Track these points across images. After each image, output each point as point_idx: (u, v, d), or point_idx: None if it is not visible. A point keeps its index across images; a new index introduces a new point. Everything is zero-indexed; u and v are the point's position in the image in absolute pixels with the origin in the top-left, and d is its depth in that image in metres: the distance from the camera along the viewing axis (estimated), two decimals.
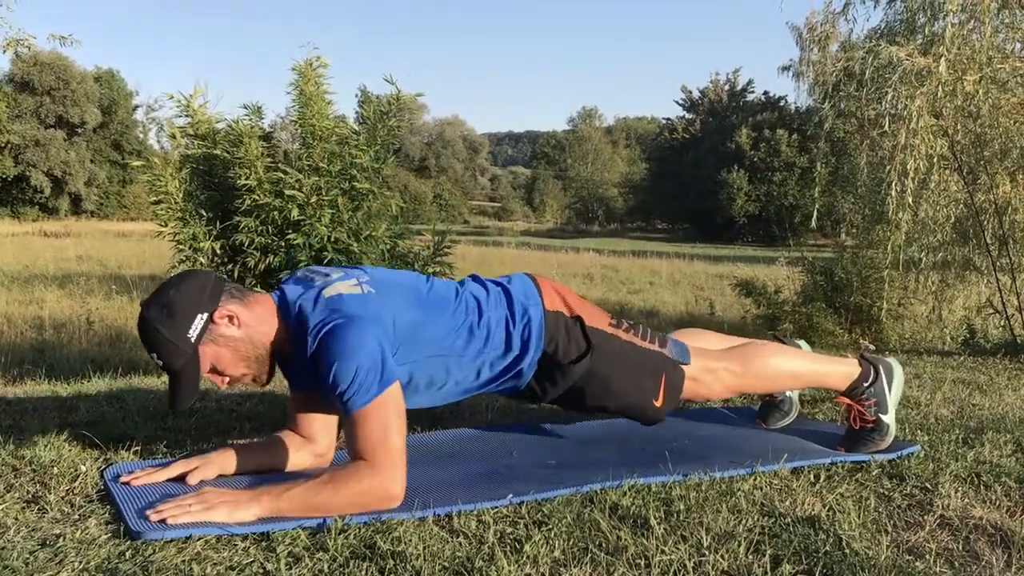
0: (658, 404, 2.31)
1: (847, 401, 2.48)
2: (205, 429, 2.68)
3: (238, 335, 2.01)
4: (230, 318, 2.00)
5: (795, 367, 2.47)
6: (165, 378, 4.01)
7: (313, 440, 2.22)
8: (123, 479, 2.02)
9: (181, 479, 2.03)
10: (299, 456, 2.19)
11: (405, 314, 2.06)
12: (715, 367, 2.39)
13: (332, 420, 2.23)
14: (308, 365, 1.96)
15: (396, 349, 2.01)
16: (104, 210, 46.20)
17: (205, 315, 1.97)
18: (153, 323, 1.94)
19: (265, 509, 1.80)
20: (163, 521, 1.74)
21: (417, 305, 2.11)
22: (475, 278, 2.32)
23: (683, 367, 2.34)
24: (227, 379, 2.06)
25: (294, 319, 2.02)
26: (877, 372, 2.49)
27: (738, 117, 48.10)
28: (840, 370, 2.49)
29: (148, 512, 1.77)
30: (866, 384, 2.47)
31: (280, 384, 3.61)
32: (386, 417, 1.89)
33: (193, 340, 1.95)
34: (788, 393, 2.75)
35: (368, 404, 1.88)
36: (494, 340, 2.18)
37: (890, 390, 2.48)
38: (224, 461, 2.11)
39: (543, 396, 2.31)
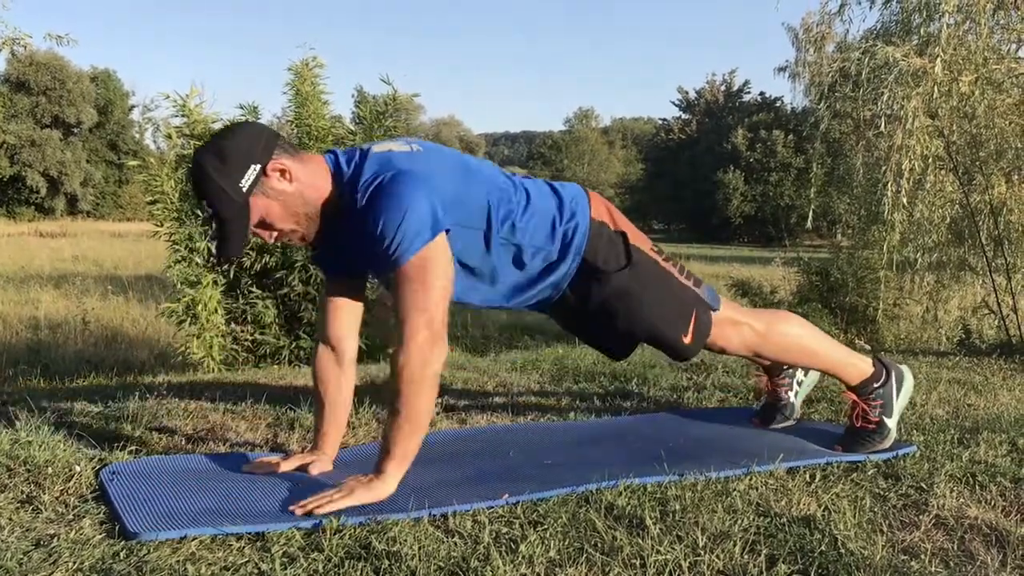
0: (687, 341, 2.30)
1: (854, 397, 2.48)
2: (200, 429, 2.67)
3: (290, 189, 2.00)
4: (282, 172, 1.99)
5: (814, 345, 2.46)
6: (161, 378, 4.01)
7: (340, 345, 2.25)
8: (245, 468, 2.17)
9: (184, 475, 2.05)
10: (344, 379, 2.27)
11: (453, 177, 2.06)
12: (740, 320, 2.39)
13: (357, 319, 2.27)
14: (354, 231, 1.98)
15: (445, 208, 2.00)
16: (100, 210, 46.16)
17: (258, 167, 1.95)
18: (206, 168, 1.93)
19: (391, 469, 1.94)
20: (310, 513, 1.81)
21: (465, 173, 2.10)
22: (525, 176, 2.32)
23: (712, 312, 2.34)
24: (275, 234, 2.05)
25: (345, 179, 2.03)
26: (889, 375, 2.49)
27: (734, 118, 48.08)
28: (855, 363, 2.48)
29: (291, 507, 1.84)
30: (876, 385, 2.47)
31: (276, 382, 3.60)
32: (429, 271, 1.92)
33: (245, 190, 1.94)
34: (791, 398, 2.75)
35: (413, 256, 1.90)
36: (539, 229, 2.18)
37: (898, 396, 2.48)
38: (325, 445, 2.25)
39: (576, 317, 2.33)
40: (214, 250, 2.01)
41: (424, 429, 1.97)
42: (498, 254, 2.16)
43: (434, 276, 1.92)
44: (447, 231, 2.00)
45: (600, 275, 2.22)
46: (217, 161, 1.93)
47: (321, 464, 2.18)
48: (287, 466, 2.17)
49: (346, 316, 2.25)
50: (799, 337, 2.45)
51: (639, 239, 2.32)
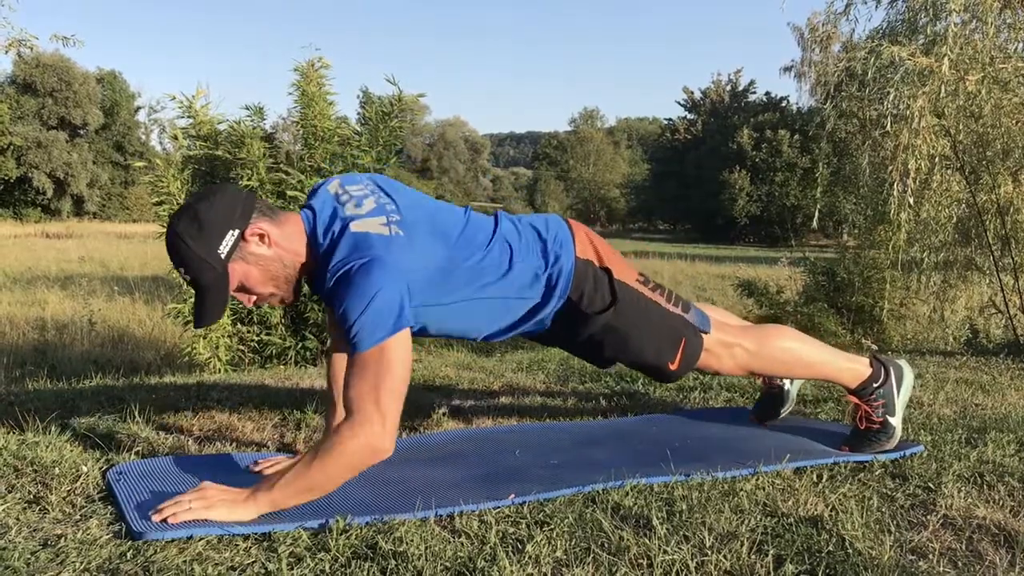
0: (673, 367, 2.30)
1: (855, 400, 2.47)
2: (206, 430, 2.67)
3: (269, 254, 1.97)
4: (261, 236, 1.95)
5: (809, 355, 2.45)
6: (168, 379, 4.01)
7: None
8: (254, 468, 2.15)
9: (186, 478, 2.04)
10: None
11: (431, 255, 2.01)
12: (732, 342, 2.37)
13: None
14: (327, 294, 1.93)
15: (419, 292, 1.97)
16: (106, 212, 46.28)
17: (236, 232, 1.92)
18: (183, 237, 1.89)
19: (262, 504, 1.80)
20: (165, 520, 1.74)
21: (446, 247, 2.06)
22: (508, 217, 2.27)
23: (702, 335, 2.33)
24: (254, 298, 2.03)
25: (320, 247, 1.99)
26: (888, 374, 2.48)
27: (740, 118, 48.03)
28: (852, 367, 2.48)
29: (150, 512, 1.77)
30: (875, 385, 2.46)
31: (282, 382, 3.61)
32: (386, 365, 1.83)
33: (223, 257, 1.91)
34: (787, 385, 2.74)
35: (371, 348, 1.83)
36: (521, 287, 2.15)
37: (899, 393, 2.47)
38: None
39: (562, 343, 2.32)
40: (193, 317, 2.00)
41: (316, 495, 1.85)
42: (478, 310, 2.14)
43: (390, 371, 1.83)
44: (422, 311, 2.00)
45: (585, 316, 2.22)
46: (194, 228, 1.89)
47: None
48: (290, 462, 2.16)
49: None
50: (791, 351, 2.43)
51: (624, 272, 2.29)
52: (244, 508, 1.79)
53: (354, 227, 1.96)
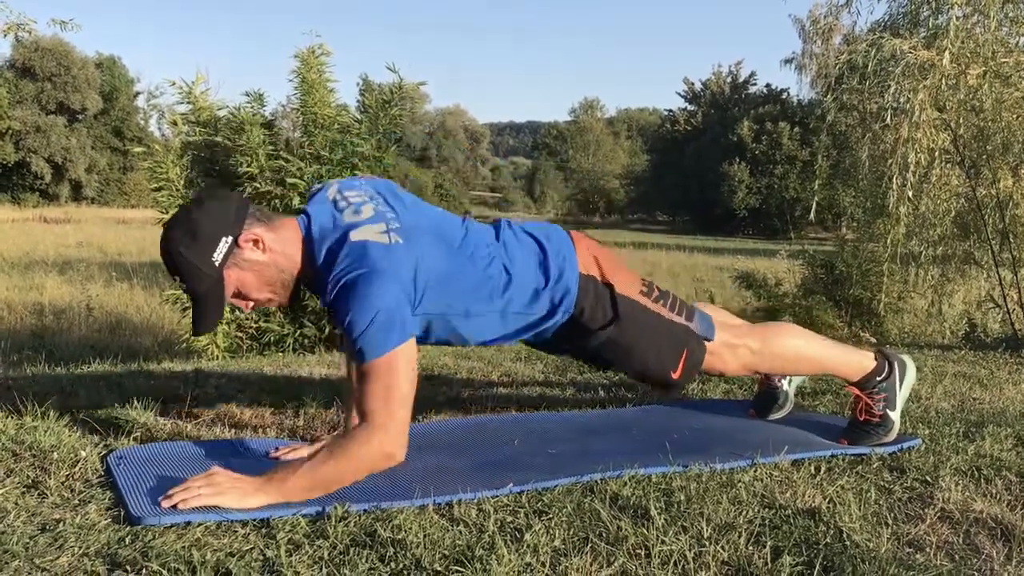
0: (675, 376, 2.29)
1: (856, 392, 2.47)
2: (205, 415, 2.67)
3: (263, 259, 1.97)
4: (255, 242, 1.95)
5: (813, 351, 2.45)
6: (166, 365, 4.01)
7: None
8: (272, 454, 2.15)
9: (189, 464, 2.04)
10: None
11: (431, 264, 2.00)
12: (736, 343, 2.36)
13: None
14: (328, 303, 1.93)
15: (419, 299, 1.98)
16: (104, 197, 46.16)
17: (230, 238, 1.92)
18: (176, 245, 1.90)
19: (272, 495, 1.80)
20: (175, 506, 1.74)
21: (446, 257, 2.05)
22: (510, 225, 2.26)
23: (706, 343, 2.32)
24: (251, 303, 2.03)
25: (318, 255, 1.97)
26: (891, 368, 2.48)
27: (740, 109, 47.92)
28: (856, 361, 2.47)
29: (159, 498, 1.77)
30: (879, 379, 2.46)
31: (281, 370, 3.61)
32: (394, 374, 1.86)
33: (218, 264, 1.91)
34: (784, 386, 2.74)
35: (377, 358, 1.85)
36: (522, 304, 2.15)
37: (901, 387, 2.47)
38: None
39: (563, 352, 2.33)
40: (191, 325, 2.00)
41: (327, 491, 1.85)
42: (483, 322, 2.14)
43: (398, 381, 1.86)
44: (421, 319, 2.00)
45: (586, 331, 2.22)
46: (188, 237, 1.89)
47: None
48: (297, 454, 2.16)
49: None
50: (796, 348, 2.43)
51: (627, 284, 2.27)
52: (254, 497, 1.79)
53: (353, 236, 1.95)
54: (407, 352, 1.89)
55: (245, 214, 1.96)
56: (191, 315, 1.98)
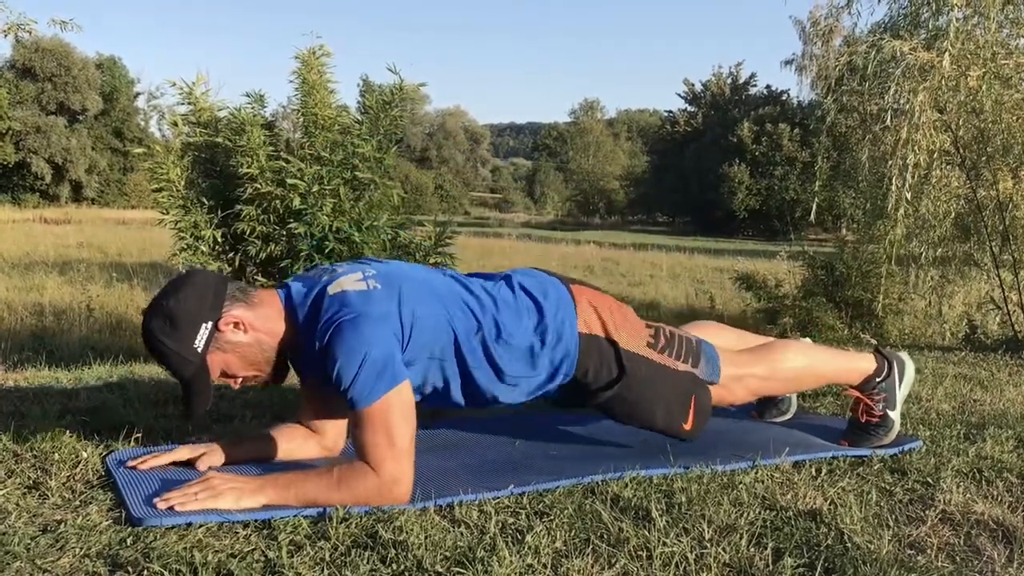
0: (687, 427, 2.25)
1: (856, 394, 2.47)
2: (206, 417, 2.67)
3: (245, 340, 1.96)
4: (235, 324, 1.94)
5: (818, 366, 2.45)
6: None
7: (321, 433, 2.20)
8: (129, 463, 2.02)
9: (186, 465, 2.04)
10: (306, 446, 2.18)
11: (414, 306, 1.97)
12: (742, 374, 2.34)
13: (339, 425, 2.21)
14: (316, 360, 1.91)
15: (407, 338, 1.95)
16: (105, 198, 46.11)
17: (210, 323, 1.91)
18: (157, 335, 1.89)
19: (271, 499, 1.80)
20: (171, 508, 1.74)
21: (436, 307, 2.02)
22: (507, 281, 2.20)
23: (712, 386, 2.29)
24: (239, 379, 2.02)
25: (300, 318, 1.97)
26: (890, 367, 2.48)
27: (740, 111, 47.95)
28: (858, 366, 2.48)
29: (155, 500, 1.77)
30: (878, 379, 2.46)
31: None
32: (390, 418, 1.84)
33: (200, 350, 1.90)
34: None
35: (372, 404, 1.84)
36: (515, 360, 2.11)
37: (900, 387, 2.47)
38: (230, 449, 2.10)
39: (573, 407, 2.34)
40: (183, 411, 1.99)
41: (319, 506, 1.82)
42: (477, 381, 2.10)
43: (396, 423, 1.85)
44: (412, 369, 1.98)
45: (591, 391, 2.20)
46: (167, 326, 1.88)
47: (209, 458, 2.06)
48: (168, 458, 2.05)
49: (326, 412, 2.19)
50: (800, 368, 2.42)
51: (632, 337, 2.22)
52: (251, 498, 1.79)
53: (331, 289, 1.95)
54: (402, 394, 1.88)
55: (224, 296, 1.94)
56: (182, 402, 1.97)
